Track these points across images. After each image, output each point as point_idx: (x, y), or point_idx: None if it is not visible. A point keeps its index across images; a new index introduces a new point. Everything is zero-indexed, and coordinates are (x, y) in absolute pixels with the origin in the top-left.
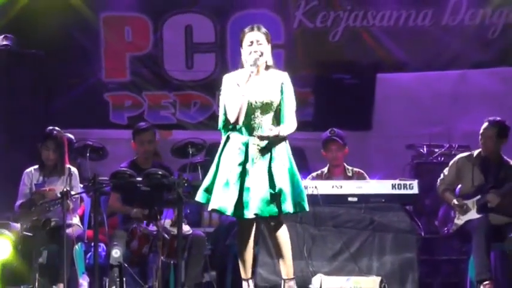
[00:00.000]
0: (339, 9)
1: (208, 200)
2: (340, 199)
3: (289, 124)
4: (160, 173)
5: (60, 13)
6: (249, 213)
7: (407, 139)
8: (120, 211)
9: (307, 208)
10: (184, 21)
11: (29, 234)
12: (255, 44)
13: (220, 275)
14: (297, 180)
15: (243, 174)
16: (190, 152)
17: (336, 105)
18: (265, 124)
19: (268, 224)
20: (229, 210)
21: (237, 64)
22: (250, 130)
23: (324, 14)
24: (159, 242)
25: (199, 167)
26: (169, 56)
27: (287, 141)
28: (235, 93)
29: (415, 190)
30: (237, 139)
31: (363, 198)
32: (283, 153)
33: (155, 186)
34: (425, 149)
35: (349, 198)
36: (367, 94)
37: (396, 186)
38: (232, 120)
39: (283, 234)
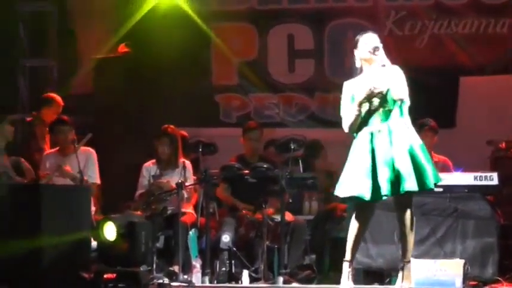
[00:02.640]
0: (425, 18)
1: (350, 193)
2: None
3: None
4: (265, 166)
5: (175, 23)
6: (380, 195)
7: (487, 136)
8: (225, 201)
9: (431, 186)
10: (286, 30)
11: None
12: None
13: (318, 257)
14: (419, 161)
15: (373, 160)
16: (292, 148)
17: (422, 105)
18: (392, 113)
19: (397, 205)
20: (366, 195)
21: (333, 68)
22: (376, 119)
23: (412, 23)
24: (264, 228)
25: (299, 161)
26: (273, 62)
27: (408, 125)
28: (351, 107)
29: (495, 181)
30: (365, 130)
31: (448, 188)
32: (404, 135)
33: (261, 178)
34: (504, 145)
35: (436, 189)
36: (451, 95)
37: (478, 178)
38: (346, 130)
39: (410, 217)
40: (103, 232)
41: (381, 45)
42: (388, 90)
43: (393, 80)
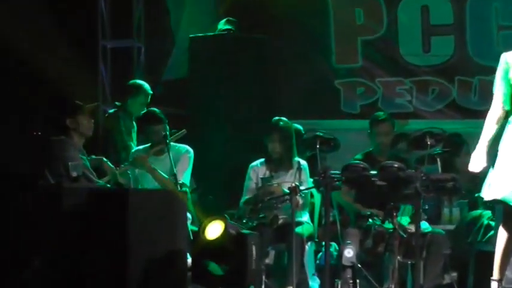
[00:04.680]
0: None
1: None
2: None
3: None
4: (396, 165)
5: None
6: None
7: None
8: (349, 208)
9: None
10: (420, 1)
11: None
12: None
13: (461, 275)
14: None
15: None
16: (429, 143)
17: None
18: None
19: None
20: None
21: (477, 47)
22: None
23: None
24: (396, 240)
25: (438, 159)
26: (404, 40)
27: None
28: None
29: None
30: None
31: None
32: None
33: (391, 180)
34: None
35: None
36: None
37: None
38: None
39: None
40: (205, 232)
41: None
42: None
43: None
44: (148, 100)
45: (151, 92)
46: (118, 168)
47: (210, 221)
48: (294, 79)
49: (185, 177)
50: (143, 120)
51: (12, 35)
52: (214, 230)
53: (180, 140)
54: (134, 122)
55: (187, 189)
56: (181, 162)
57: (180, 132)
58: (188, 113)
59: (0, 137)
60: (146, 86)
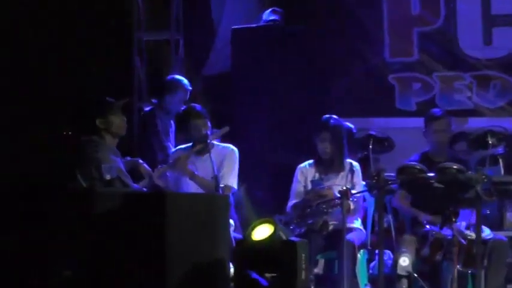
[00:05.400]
0: None
1: None
2: None
3: None
4: (455, 167)
5: None
6: None
7: None
8: (405, 213)
9: None
10: None
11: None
12: None
13: None
14: None
15: None
16: (490, 143)
17: None
18: None
19: None
20: None
21: None
22: None
23: None
24: (455, 248)
25: (500, 160)
26: (463, 31)
27: None
28: None
29: None
30: None
31: None
32: None
33: (449, 183)
34: None
35: None
36: None
37: None
38: None
39: None
40: (252, 234)
41: None
42: None
43: None
44: (188, 97)
45: (190, 88)
46: (155, 170)
47: (258, 224)
48: (345, 74)
49: (229, 179)
50: (183, 115)
51: (39, 24)
52: (262, 232)
53: (223, 139)
54: (172, 121)
55: (231, 193)
56: (225, 164)
57: (222, 130)
58: (231, 111)
59: (25, 137)
60: (185, 81)
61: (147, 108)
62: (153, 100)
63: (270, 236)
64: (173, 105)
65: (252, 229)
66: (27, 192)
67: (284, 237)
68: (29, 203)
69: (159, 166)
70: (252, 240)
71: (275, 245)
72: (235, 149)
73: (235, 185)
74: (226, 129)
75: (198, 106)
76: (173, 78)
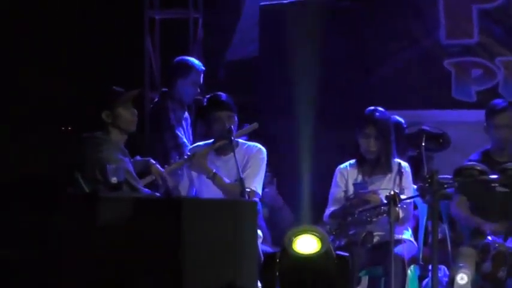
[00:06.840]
0: None
1: None
2: None
3: None
4: None
5: None
6: None
7: None
8: (464, 221)
9: None
10: None
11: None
12: None
13: None
14: None
15: None
16: None
17: None
18: None
19: None
20: None
21: None
22: None
23: None
24: None
25: None
26: None
27: None
28: None
29: None
30: None
31: None
32: None
33: None
34: None
35: None
36: None
37: None
38: None
39: None
40: (294, 247)
41: None
42: None
43: None
44: (201, 79)
45: (203, 68)
46: (165, 167)
47: (298, 233)
48: (393, 59)
49: (256, 183)
50: (205, 106)
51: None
52: (305, 245)
53: (249, 136)
54: (187, 114)
55: (259, 199)
56: (251, 165)
57: (249, 127)
58: (258, 102)
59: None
60: (196, 61)
61: (156, 99)
62: (163, 89)
63: (318, 254)
64: (186, 89)
65: (292, 239)
66: (20, 199)
67: (335, 255)
68: (22, 212)
69: (171, 161)
70: (296, 253)
71: (326, 261)
72: (263, 148)
73: (259, 190)
74: (255, 125)
75: (223, 95)
76: (182, 59)
